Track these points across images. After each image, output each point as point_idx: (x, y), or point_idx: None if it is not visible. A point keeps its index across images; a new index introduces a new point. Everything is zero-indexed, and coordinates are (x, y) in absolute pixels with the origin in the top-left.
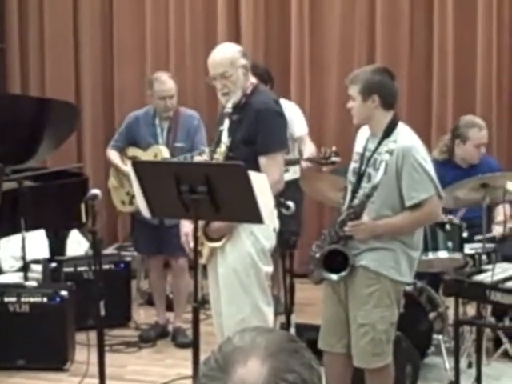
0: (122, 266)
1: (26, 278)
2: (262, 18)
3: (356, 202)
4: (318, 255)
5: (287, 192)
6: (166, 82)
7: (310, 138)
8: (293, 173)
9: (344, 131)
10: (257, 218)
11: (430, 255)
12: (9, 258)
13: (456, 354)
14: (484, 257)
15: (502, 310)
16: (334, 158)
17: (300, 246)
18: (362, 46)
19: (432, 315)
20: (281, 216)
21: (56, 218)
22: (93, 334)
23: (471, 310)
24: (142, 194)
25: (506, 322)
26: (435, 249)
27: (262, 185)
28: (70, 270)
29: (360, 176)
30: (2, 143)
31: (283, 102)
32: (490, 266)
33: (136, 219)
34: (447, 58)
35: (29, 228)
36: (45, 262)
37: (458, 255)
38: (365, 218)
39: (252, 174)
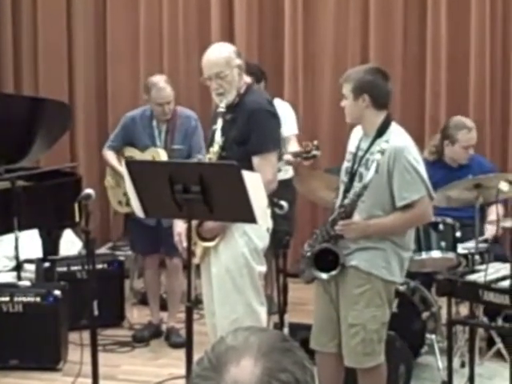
0: (116, 265)
1: (19, 278)
2: (256, 17)
3: (347, 201)
4: (308, 254)
5: (280, 192)
6: (163, 89)
7: (304, 138)
8: (285, 172)
9: (337, 131)
10: (250, 218)
11: (423, 255)
12: (2, 257)
13: (449, 353)
14: (477, 257)
15: (494, 310)
16: (314, 152)
17: (293, 246)
18: (355, 46)
19: (425, 315)
20: (274, 216)
21: (49, 218)
22: (86, 334)
23: (464, 309)
24: (136, 194)
25: (499, 322)
26: (428, 248)
27: (256, 184)
28: (64, 269)
29: (352, 175)
30: None
31: (277, 101)
32: (483, 266)
33: (132, 219)
34: (440, 59)
35: (22, 227)
36: (38, 262)
37: (451, 255)
38: (356, 217)
39: (245, 174)
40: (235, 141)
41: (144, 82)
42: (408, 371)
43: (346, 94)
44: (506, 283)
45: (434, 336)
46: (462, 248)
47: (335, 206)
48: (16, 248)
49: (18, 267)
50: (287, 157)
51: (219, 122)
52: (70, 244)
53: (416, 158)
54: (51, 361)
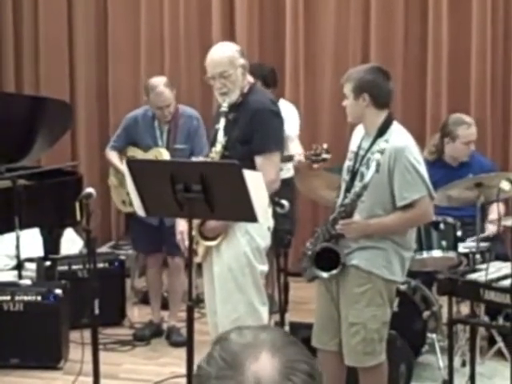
0: (117, 264)
1: (20, 277)
2: (257, 17)
3: (347, 200)
4: (309, 253)
5: (281, 191)
6: (161, 93)
7: (304, 137)
8: (286, 171)
9: (338, 131)
10: (251, 217)
11: (424, 254)
12: (3, 256)
13: (450, 352)
14: (478, 256)
15: (495, 309)
16: (324, 155)
17: (294, 245)
18: (356, 45)
19: (426, 314)
20: (275, 215)
21: (50, 217)
22: (87, 333)
23: (465, 308)
24: (137, 193)
25: (500, 321)
26: (429, 248)
27: (257, 183)
28: (65, 268)
29: (353, 174)
30: None
31: (282, 102)
32: (483, 265)
33: (135, 219)
34: (441, 58)
35: (23, 226)
36: (39, 261)
37: (451, 254)
38: (356, 216)
39: (247, 173)
40: (238, 140)
41: (145, 81)
42: (409, 370)
43: (346, 93)
44: (506, 282)
45: (434, 335)
46: (462, 247)
47: (336, 205)
48: (17, 247)
49: (19, 266)
50: (298, 158)
51: (222, 122)
52: (71, 243)
53: (417, 157)
54: (52, 359)
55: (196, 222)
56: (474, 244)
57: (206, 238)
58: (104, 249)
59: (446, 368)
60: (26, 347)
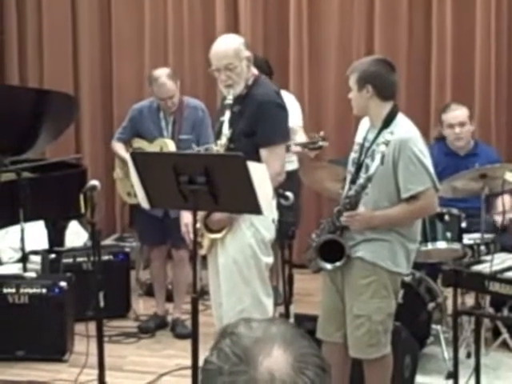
0: (121, 256)
1: (24, 269)
2: (261, 10)
3: (351, 192)
4: (314, 244)
5: (286, 183)
6: (163, 84)
7: (309, 130)
8: (290, 163)
9: (343, 123)
10: (256, 209)
11: (429, 246)
12: (8, 249)
13: (455, 344)
14: (483, 247)
15: (500, 301)
16: (321, 143)
17: (298, 237)
18: (360, 37)
19: (431, 305)
20: (279, 207)
21: (55, 209)
22: (92, 325)
23: (470, 300)
24: (141, 185)
25: (505, 313)
26: (434, 239)
27: (261, 175)
28: (69, 261)
29: (359, 166)
30: (0, 134)
31: (283, 93)
32: (488, 257)
33: (140, 211)
34: (446, 49)
35: (27, 219)
36: (44, 253)
37: (456, 246)
38: (361, 208)
39: (251, 165)
40: (243, 133)
41: (149, 73)
42: (414, 362)
43: (351, 85)
44: (511, 273)
45: (439, 327)
46: (467, 239)
47: (341, 197)
48: (22, 239)
49: (24, 259)
50: (295, 148)
51: (227, 114)
52: (76, 235)
53: (421, 149)
54: (57, 352)
55: (201, 214)
56: (478, 235)
57: (211, 231)
58: (109, 241)
59: (451, 359)
60: (31, 340)
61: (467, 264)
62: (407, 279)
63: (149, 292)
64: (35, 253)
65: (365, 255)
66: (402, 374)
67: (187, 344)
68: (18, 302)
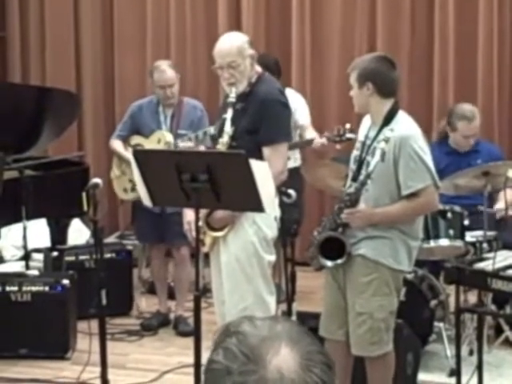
0: (124, 254)
1: (27, 267)
2: (263, 6)
3: (351, 189)
4: (316, 241)
5: (288, 180)
6: (165, 71)
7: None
8: (294, 161)
9: (345, 120)
10: (258, 207)
11: (432, 243)
12: (10, 247)
13: (457, 341)
14: (485, 245)
15: (503, 298)
16: (348, 135)
17: (301, 235)
18: (362, 34)
19: (433, 303)
20: (282, 204)
21: (57, 207)
22: (94, 323)
23: (472, 297)
24: (143, 183)
25: (507, 310)
26: (436, 237)
27: (264, 173)
28: (72, 258)
29: (360, 164)
30: (2, 132)
31: (288, 91)
32: (491, 254)
33: (137, 207)
34: (448, 46)
35: (30, 217)
36: (46, 251)
37: (459, 243)
38: (361, 205)
39: (253, 163)
40: (246, 131)
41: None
42: (416, 359)
43: (352, 83)
44: None
45: (442, 324)
46: (470, 236)
47: (343, 195)
48: (24, 237)
49: (27, 256)
50: (320, 140)
51: (229, 112)
52: (78, 233)
53: (422, 146)
54: (60, 350)
55: (203, 212)
56: (481, 233)
57: (213, 229)
58: (111, 239)
59: (454, 357)
60: (33, 338)
61: (470, 261)
62: (409, 277)
63: (151, 290)
64: (38, 251)
65: (366, 253)
66: (405, 372)
67: (190, 342)
68: (21, 300)
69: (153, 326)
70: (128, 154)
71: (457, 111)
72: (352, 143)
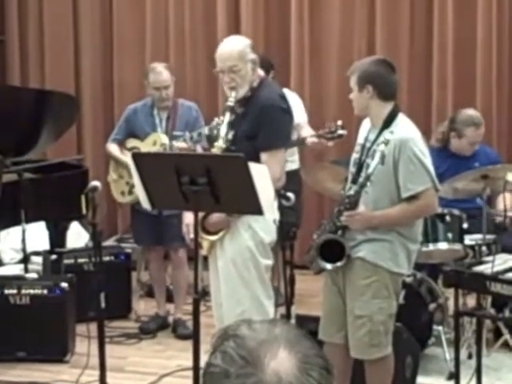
0: (122, 257)
1: (26, 270)
2: (262, 7)
3: (351, 192)
4: (315, 244)
5: (287, 183)
6: (160, 73)
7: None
8: (291, 163)
9: (344, 121)
10: (257, 210)
11: (430, 246)
12: (9, 250)
13: (456, 345)
14: (484, 248)
15: (502, 301)
16: (340, 131)
17: (300, 237)
18: (361, 36)
19: (432, 306)
20: (281, 207)
21: (56, 210)
22: (93, 326)
23: (471, 301)
24: (142, 186)
25: (506, 313)
26: (435, 240)
27: (263, 176)
28: (71, 261)
29: (360, 166)
30: (1, 135)
31: (284, 91)
32: (490, 257)
33: (135, 210)
34: (447, 50)
35: (29, 220)
36: (45, 254)
37: (458, 246)
38: (361, 208)
39: (252, 166)
40: (245, 135)
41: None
42: (415, 363)
43: (352, 86)
44: None
45: (441, 327)
46: (468, 239)
47: (342, 197)
48: (23, 240)
49: (25, 259)
50: (311, 139)
51: (226, 116)
52: (77, 236)
53: (422, 149)
54: (58, 353)
55: (200, 215)
56: (480, 236)
57: (208, 232)
58: (110, 242)
59: (453, 360)
60: (32, 341)
61: (468, 265)
62: (408, 280)
63: (150, 293)
64: (36, 254)
65: (366, 255)
66: (404, 375)
67: (188, 345)
68: (20, 303)
69: (151, 329)
70: (124, 158)
71: (463, 118)
72: (352, 146)
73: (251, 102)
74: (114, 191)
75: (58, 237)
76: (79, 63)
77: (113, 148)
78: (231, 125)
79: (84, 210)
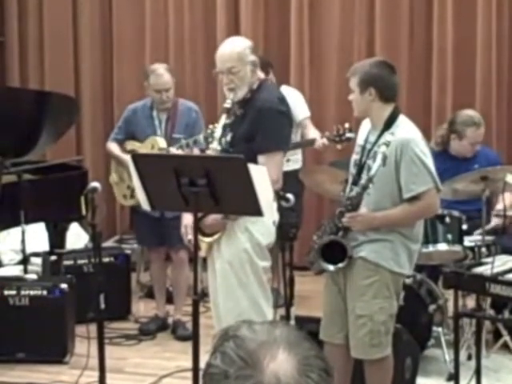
0: (122, 258)
1: (25, 271)
2: (262, 9)
3: (353, 193)
4: (316, 246)
5: (287, 184)
6: (161, 75)
7: None
8: (293, 163)
9: (343, 122)
10: (256, 211)
11: (430, 247)
12: (8, 251)
13: (456, 346)
14: (484, 249)
15: (501, 303)
16: (348, 134)
17: (300, 239)
18: (361, 38)
19: (432, 308)
20: (280, 208)
21: (55, 211)
22: (93, 327)
23: (471, 302)
24: (142, 187)
25: (506, 315)
26: (435, 241)
27: (262, 178)
28: (70, 262)
29: (360, 168)
30: (1, 136)
31: (284, 88)
32: (489, 259)
33: (137, 212)
34: (447, 51)
35: (28, 221)
36: (44, 255)
37: (457, 248)
38: (362, 209)
39: (252, 167)
40: (243, 138)
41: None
42: (414, 364)
43: (352, 87)
44: None
45: (440, 329)
46: (468, 241)
47: (343, 199)
48: (22, 241)
49: (25, 260)
50: (322, 141)
51: (222, 118)
52: (77, 237)
53: (423, 150)
54: (58, 354)
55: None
56: (479, 237)
57: (204, 234)
58: (109, 243)
59: (452, 361)
60: (31, 342)
61: (468, 266)
62: (408, 281)
63: (149, 294)
64: (36, 255)
65: (367, 255)
66: (403, 376)
67: (188, 346)
68: (19, 304)
69: (151, 330)
70: (125, 156)
71: (462, 118)
72: (351, 147)
73: (250, 104)
74: (116, 193)
75: (57, 238)
76: (79, 64)
77: (113, 147)
78: (230, 126)
79: (83, 211)
